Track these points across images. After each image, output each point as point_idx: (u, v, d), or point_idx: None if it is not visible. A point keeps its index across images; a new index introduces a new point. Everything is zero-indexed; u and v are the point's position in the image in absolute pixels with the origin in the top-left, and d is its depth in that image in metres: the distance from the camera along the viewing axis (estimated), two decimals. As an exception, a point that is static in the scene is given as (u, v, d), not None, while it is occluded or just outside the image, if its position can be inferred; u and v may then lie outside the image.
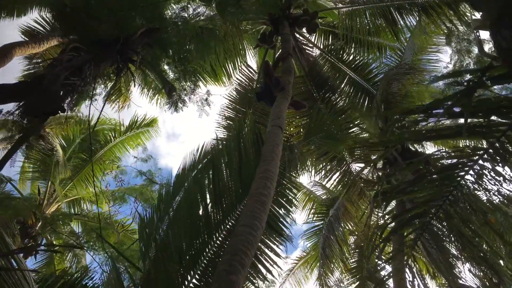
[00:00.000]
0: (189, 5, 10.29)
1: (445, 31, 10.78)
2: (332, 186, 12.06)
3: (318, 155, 11.08)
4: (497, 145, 4.20)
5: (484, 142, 4.50)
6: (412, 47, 11.71)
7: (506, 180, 4.31)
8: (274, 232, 5.39)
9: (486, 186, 4.53)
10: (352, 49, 12.15)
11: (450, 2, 9.52)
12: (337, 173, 11.57)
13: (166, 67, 11.09)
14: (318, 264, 11.85)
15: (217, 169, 5.57)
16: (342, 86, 12.07)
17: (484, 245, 5.01)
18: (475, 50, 11.87)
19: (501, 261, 5.33)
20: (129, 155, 15.87)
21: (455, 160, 4.77)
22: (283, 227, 5.48)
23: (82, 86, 7.89)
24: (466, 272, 5.53)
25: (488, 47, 10.09)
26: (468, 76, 3.91)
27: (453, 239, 5.09)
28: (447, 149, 5.97)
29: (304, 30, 11.82)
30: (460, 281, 5.86)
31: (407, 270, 5.39)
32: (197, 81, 11.60)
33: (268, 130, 5.90)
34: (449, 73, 7.68)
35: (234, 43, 11.93)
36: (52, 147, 13.46)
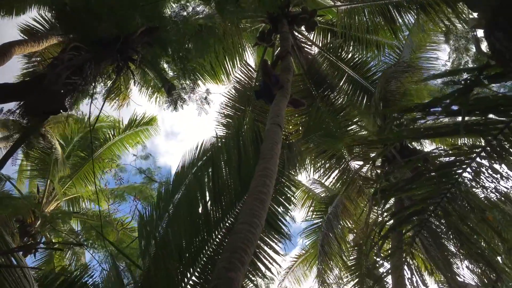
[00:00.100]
0: (188, 4, 10.29)
1: (443, 29, 10.80)
2: (331, 184, 12.10)
3: (317, 153, 11.12)
4: (495, 143, 4.23)
5: (482, 140, 4.52)
6: (410, 45, 11.72)
7: (503, 178, 4.34)
8: (273, 230, 5.41)
9: (483, 184, 4.55)
10: (351, 47, 12.18)
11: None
12: (336, 171, 11.60)
13: (165, 65, 11.11)
14: (317, 262, 11.87)
15: (216, 167, 5.58)
16: (340, 84, 12.08)
17: (482, 242, 5.05)
18: (473, 48, 11.87)
19: (499, 258, 5.36)
20: (128, 154, 15.91)
21: (453, 158, 4.80)
22: (282, 225, 5.50)
23: (83, 85, 7.90)
24: (464, 269, 5.57)
25: (485, 45, 10.08)
26: (465, 75, 3.93)
27: (451, 236, 5.12)
28: (445, 147, 6.00)
29: (303, 28, 11.84)
30: (458, 278, 5.89)
31: (405, 267, 5.42)
32: (196, 79, 11.61)
33: (267, 128, 5.91)
34: (446, 72, 7.71)
35: (233, 42, 11.94)
36: (51, 145, 13.46)
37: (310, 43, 12.64)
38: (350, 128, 11.23)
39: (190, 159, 6.43)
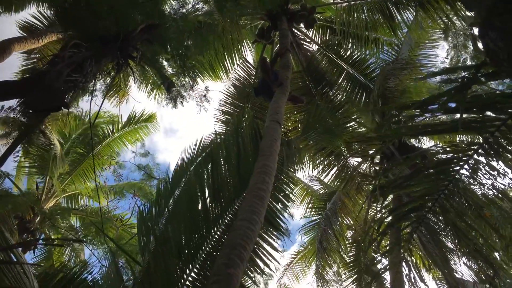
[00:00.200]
0: (187, 1, 10.29)
1: (442, 26, 10.81)
2: (330, 180, 12.13)
3: (316, 150, 11.15)
4: (492, 140, 4.26)
5: (480, 137, 4.55)
6: (409, 42, 11.73)
7: (500, 175, 4.37)
8: (272, 226, 5.41)
9: (481, 181, 4.59)
10: (350, 44, 12.19)
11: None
12: (335, 168, 11.63)
13: (165, 62, 11.10)
14: (315, 259, 11.91)
15: (215, 164, 5.58)
16: (339, 81, 12.10)
17: (479, 239, 5.08)
18: (471, 45, 11.88)
19: (496, 255, 5.40)
20: (128, 150, 15.92)
21: (450, 155, 4.83)
22: (280, 222, 5.51)
23: (83, 83, 7.90)
24: (461, 265, 5.61)
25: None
26: (463, 73, 3.96)
27: (449, 232, 5.16)
28: (443, 144, 6.02)
29: (302, 25, 11.83)
30: (456, 274, 5.93)
31: (403, 263, 5.46)
32: (196, 76, 11.61)
33: (266, 125, 5.92)
34: (444, 69, 7.72)
35: (232, 39, 11.94)
36: (50, 142, 13.46)
37: (309, 40, 12.65)
38: (348, 125, 11.23)
39: (189, 156, 6.43)
